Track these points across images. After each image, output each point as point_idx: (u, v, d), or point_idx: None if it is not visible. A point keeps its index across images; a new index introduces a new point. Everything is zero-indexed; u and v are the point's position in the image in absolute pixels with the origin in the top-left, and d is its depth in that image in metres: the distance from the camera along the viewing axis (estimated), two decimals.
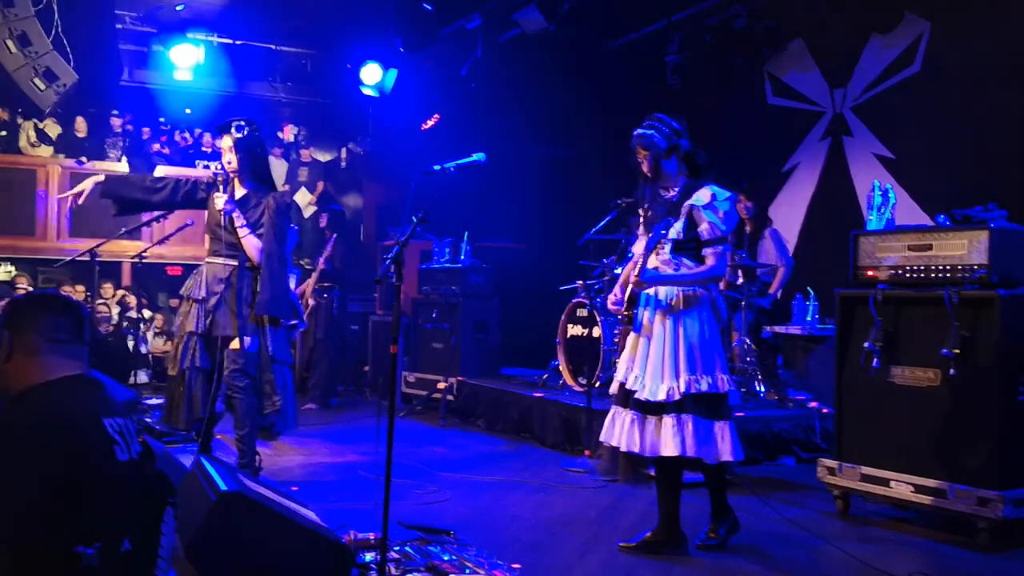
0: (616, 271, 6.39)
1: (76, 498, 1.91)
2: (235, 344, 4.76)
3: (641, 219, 4.13)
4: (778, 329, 6.86)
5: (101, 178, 5.02)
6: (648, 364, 3.86)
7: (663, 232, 3.79)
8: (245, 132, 4.82)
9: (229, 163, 4.86)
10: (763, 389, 6.52)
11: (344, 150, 11.77)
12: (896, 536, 4.32)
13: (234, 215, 4.78)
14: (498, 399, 7.30)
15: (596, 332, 6.67)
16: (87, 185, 4.96)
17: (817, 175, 7.87)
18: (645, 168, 3.97)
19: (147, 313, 9.90)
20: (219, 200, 4.81)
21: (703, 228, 3.84)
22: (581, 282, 7.10)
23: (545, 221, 9.66)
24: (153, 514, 2.08)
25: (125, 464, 2.03)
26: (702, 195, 3.86)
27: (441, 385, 7.82)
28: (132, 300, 9.80)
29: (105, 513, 1.96)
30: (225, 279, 4.82)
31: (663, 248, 3.89)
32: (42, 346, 2.10)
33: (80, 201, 4.96)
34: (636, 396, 3.86)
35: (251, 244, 4.80)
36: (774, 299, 7.07)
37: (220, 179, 4.89)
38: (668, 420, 3.79)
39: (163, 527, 2.08)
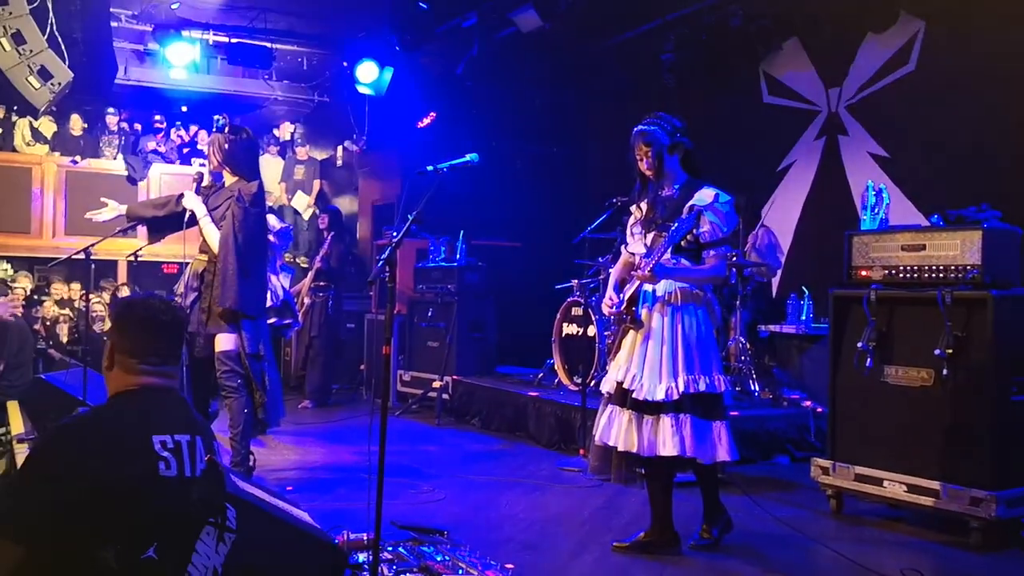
0: (611, 270, 6.39)
1: (100, 503, 2.04)
2: (221, 345, 4.76)
3: (635, 217, 4.10)
4: (773, 328, 6.87)
5: (123, 209, 5.13)
6: (646, 364, 3.86)
7: (683, 231, 3.68)
8: (215, 127, 4.90)
9: (209, 159, 5.02)
10: (757, 388, 6.52)
11: (340, 148, 11.75)
12: (889, 536, 4.34)
13: (193, 207, 4.85)
14: (493, 398, 7.30)
15: (591, 331, 6.67)
16: (111, 213, 5.11)
17: (812, 174, 7.86)
18: (645, 165, 3.95)
19: None
20: (186, 195, 4.94)
21: (705, 230, 3.81)
22: (576, 281, 7.10)
23: (541, 220, 9.65)
24: (189, 529, 2.18)
25: (169, 480, 2.15)
26: (704, 195, 3.83)
27: (436, 384, 7.82)
28: None
29: (128, 520, 2.07)
30: (200, 274, 4.86)
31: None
32: (138, 368, 2.29)
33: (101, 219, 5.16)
34: (634, 396, 3.85)
35: (209, 234, 4.82)
36: (761, 281, 7.08)
37: (194, 178, 5.06)
38: (666, 420, 3.79)
39: (198, 544, 2.18)
